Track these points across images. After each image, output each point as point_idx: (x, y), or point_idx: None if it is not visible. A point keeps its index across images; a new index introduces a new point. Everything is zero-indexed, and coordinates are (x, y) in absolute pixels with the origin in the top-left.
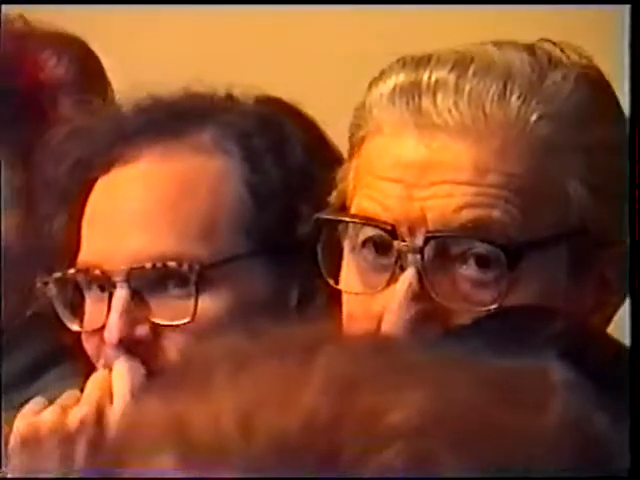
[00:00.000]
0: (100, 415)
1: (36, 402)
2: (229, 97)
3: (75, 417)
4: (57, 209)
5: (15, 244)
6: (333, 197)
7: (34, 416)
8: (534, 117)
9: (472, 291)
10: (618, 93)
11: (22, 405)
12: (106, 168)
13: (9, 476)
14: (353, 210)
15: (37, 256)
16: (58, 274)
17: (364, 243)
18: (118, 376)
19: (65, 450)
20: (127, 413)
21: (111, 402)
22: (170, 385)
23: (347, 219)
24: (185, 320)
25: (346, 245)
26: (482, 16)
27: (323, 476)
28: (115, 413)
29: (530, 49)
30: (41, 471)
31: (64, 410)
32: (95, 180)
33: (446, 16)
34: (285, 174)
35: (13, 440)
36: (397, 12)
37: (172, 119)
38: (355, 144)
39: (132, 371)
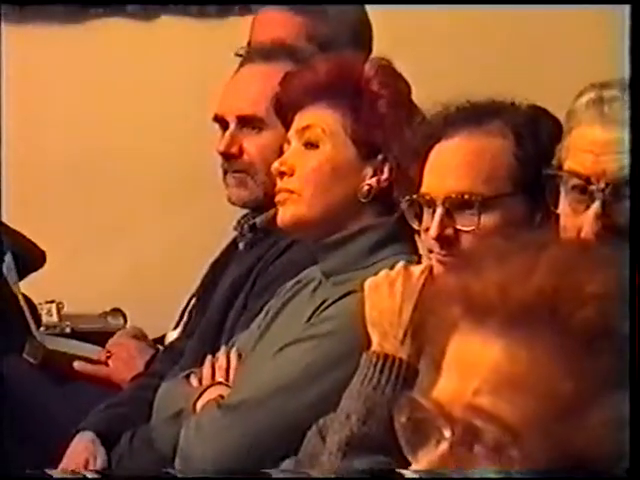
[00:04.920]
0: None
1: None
2: (512, 103)
3: (417, 269)
4: (412, 161)
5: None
6: (554, 160)
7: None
8: None
9: None
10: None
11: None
12: (437, 139)
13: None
14: (565, 168)
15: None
16: (408, 197)
17: (572, 187)
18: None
19: (409, 286)
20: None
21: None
22: (458, 266)
23: (563, 174)
24: (472, 227)
25: (562, 188)
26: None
27: None
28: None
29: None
30: (384, 308)
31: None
32: (432, 146)
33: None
34: (537, 150)
35: (367, 288)
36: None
37: (476, 114)
38: (566, 132)
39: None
